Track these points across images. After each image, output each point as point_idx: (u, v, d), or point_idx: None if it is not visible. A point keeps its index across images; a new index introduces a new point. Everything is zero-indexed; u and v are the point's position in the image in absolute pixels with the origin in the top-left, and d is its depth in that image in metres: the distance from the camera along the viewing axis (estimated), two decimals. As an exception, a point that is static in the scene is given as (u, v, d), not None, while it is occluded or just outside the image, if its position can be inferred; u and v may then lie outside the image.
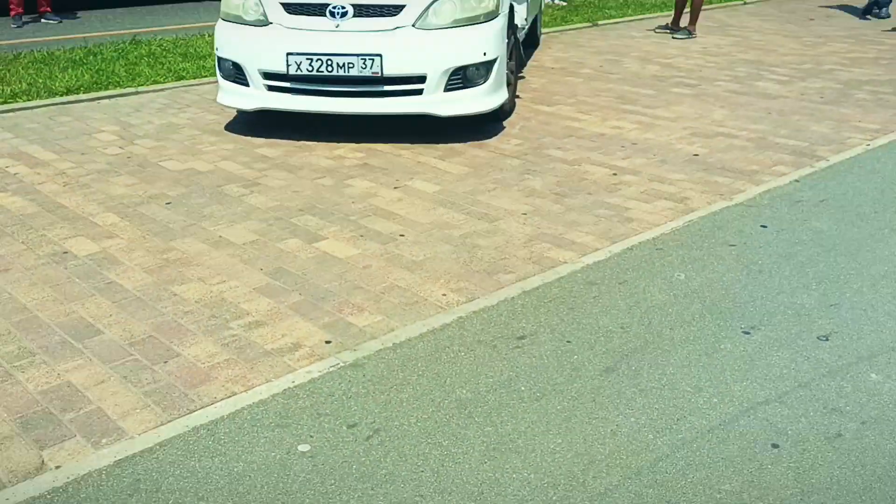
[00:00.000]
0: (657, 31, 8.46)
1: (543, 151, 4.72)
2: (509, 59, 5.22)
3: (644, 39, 8.26)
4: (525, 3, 6.13)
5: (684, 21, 8.52)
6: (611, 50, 7.77)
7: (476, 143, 4.85)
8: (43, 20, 9.05)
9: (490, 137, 4.96)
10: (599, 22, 9.25)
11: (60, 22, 9.08)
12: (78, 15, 9.64)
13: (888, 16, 10.47)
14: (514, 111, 5.53)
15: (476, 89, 4.71)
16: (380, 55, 4.49)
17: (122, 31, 8.49)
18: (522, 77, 6.42)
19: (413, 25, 4.55)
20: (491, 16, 4.71)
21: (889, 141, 4.84)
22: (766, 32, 8.67)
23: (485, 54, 4.65)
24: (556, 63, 7.19)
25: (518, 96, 5.83)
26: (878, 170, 4.38)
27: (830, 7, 10.47)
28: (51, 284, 3.02)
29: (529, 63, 7.09)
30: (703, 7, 10.26)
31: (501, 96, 4.91)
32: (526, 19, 6.25)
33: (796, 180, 4.19)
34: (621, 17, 9.59)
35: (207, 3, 10.33)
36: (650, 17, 9.47)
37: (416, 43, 4.54)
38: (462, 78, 4.66)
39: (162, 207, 3.81)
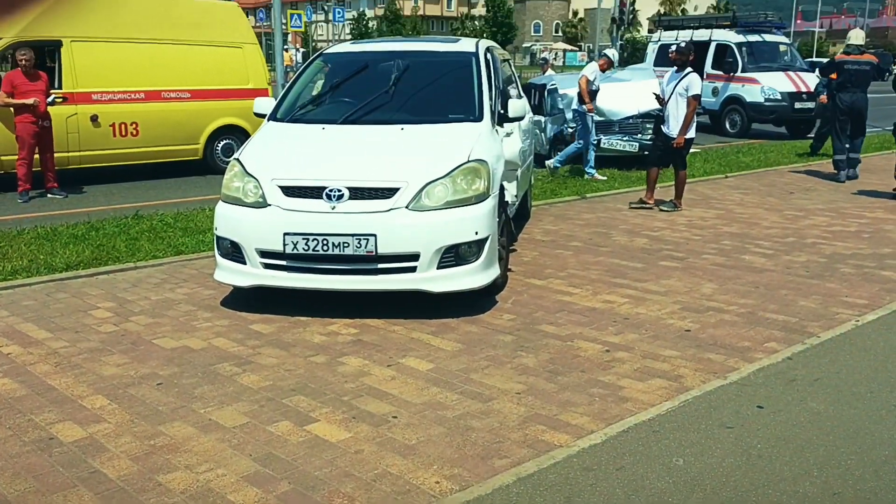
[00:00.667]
0: (631, 206, 8.70)
1: (536, 327, 4.76)
2: (500, 235, 5.38)
3: (631, 212, 8.53)
4: (515, 181, 6.38)
5: (658, 195, 8.84)
6: (599, 222, 8.01)
7: (469, 318, 4.90)
8: (49, 195, 9.35)
9: (483, 312, 5.01)
10: (587, 195, 9.58)
11: (66, 197, 9.38)
12: (84, 189, 9.98)
13: (855, 176, 10.90)
14: (507, 285, 5.62)
15: (468, 266, 4.81)
16: (374, 235, 4.62)
17: (126, 205, 8.76)
18: (514, 250, 6.57)
19: (407, 207, 4.71)
20: (482, 197, 4.90)
21: (877, 317, 4.90)
22: (749, 205, 8.99)
23: (476, 234, 4.79)
24: (547, 236, 7.38)
25: (510, 269, 5.94)
26: (869, 347, 4.40)
27: (809, 173, 10.92)
28: (34, 474, 2.93)
29: (520, 236, 7.28)
30: (687, 181, 10.71)
31: (493, 273, 5.01)
32: (516, 195, 6.49)
33: (789, 358, 4.20)
34: (608, 189, 9.95)
35: (210, 177, 10.72)
36: (637, 190, 9.83)
37: (410, 223, 4.68)
38: (454, 256, 4.77)
39: (153, 388, 3.77)
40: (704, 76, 18.27)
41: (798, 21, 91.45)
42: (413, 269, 4.72)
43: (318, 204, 4.73)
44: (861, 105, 10.92)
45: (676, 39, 19.04)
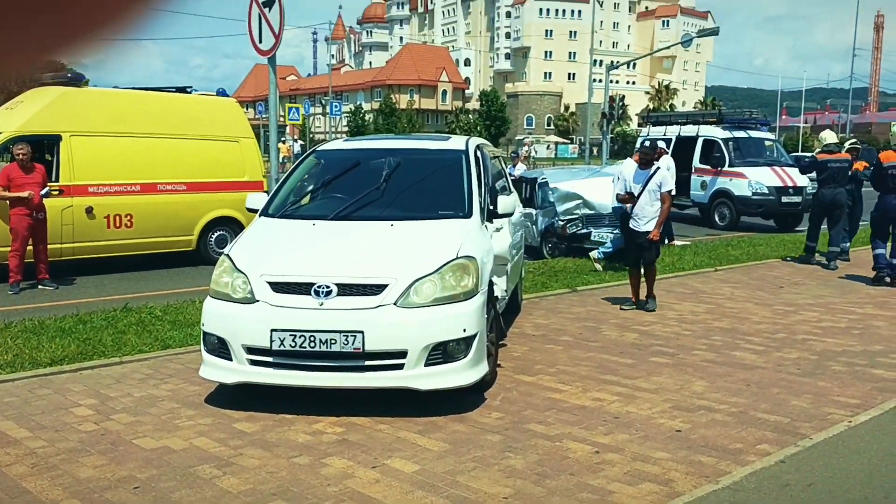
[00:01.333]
0: (623, 309, 8.47)
1: (524, 426, 4.68)
2: (490, 330, 5.36)
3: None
4: (505, 276, 6.41)
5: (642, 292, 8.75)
6: (590, 316, 8.01)
7: (457, 416, 4.82)
8: (40, 286, 9.34)
9: (471, 409, 4.94)
10: (578, 288, 9.61)
11: (57, 288, 9.37)
12: (75, 280, 9.97)
13: (836, 267, 11.11)
14: (496, 381, 5.57)
15: (456, 364, 4.78)
16: (362, 332, 4.60)
17: (116, 297, 8.73)
18: (504, 345, 6.54)
19: (395, 304, 4.71)
20: (470, 294, 4.90)
21: (870, 418, 4.85)
22: (739, 300, 9.01)
23: (465, 331, 4.78)
24: (537, 330, 7.36)
25: (499, 365, 5.89)
26: (863, 450, 4.33)
27: (798, 266, 10.98)
28: (-2, 586, 2.82)
29: (511, 330, 7.26)
30: (677, 274, 10.76)
31: (481, 370, 4.97)
32: (506, 290, 6.50)
33: (782, 461, 4.13)
34: (599, 283, 9.98)
35: (203, 268, 10.73)
36: (627, 283, 9.88)
37: (398, 320, 4.67)
38: (442, 353, 4.74)
39: (129, 492, 3.67)
40: (693, 170, 18.67)
41: (783, 116, 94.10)
42: (400, 367, 4.68)
43: (307, 300, 4.72)
44: (841, 200, 11.40)
45: (664, 135, 19.57)
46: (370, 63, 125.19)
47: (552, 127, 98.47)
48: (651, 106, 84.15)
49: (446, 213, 5.64)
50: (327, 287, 4.72)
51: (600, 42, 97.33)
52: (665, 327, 7.52)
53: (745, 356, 6.41)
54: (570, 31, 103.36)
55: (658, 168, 8.33)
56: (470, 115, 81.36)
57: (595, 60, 56.90)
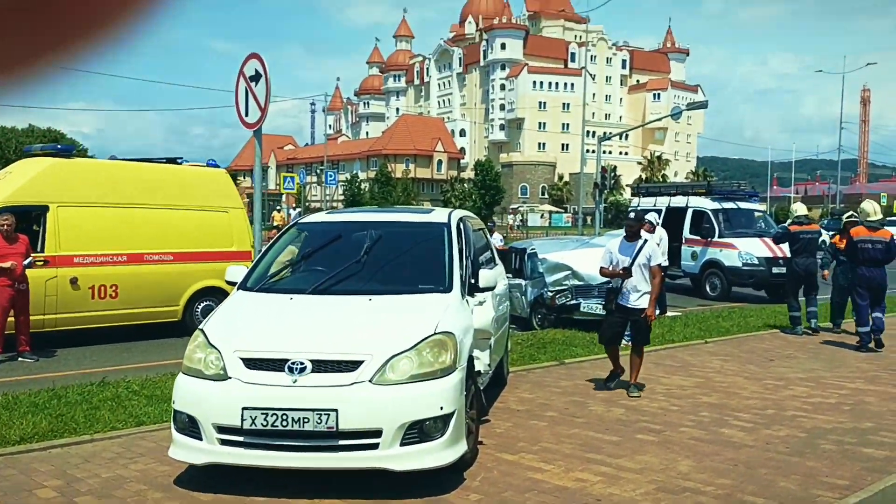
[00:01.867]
0: (612, 388, 8.15)
1: (504, 509, 4.52)
2: (470, 407, 5.23)
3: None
4: (488, 350, 6.31)
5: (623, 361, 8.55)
6: (576, 390, 7.87)
7: (433, 498, 4.66)
8: (20, 359, 9.19)
9: (448, 491, 4.79)
10: (566, 360, 9.49)
11: (37, 360, 9.22)
12: (56, 352, 9.82)
13: (817, 330, 11.42)
14: (476, 459, 5.41)
15: (433, 443, 4.64)
16: (336, 410, 4.49)
17: (97, 370, 8.58)
18: (487, 420, 6.39)
19: (370, 381, 4.60)
20: (448, 370, 4.80)
21: (859, 500, 4.70)
22: (728, 373, 8.89)
23: (441, 408, 4.66)
24: (522, 405, 7.22)
25: (481, 442, 5.75)
26: (850, 535, 4.19)
27: (783, 331, 10.89)
28: None
29: (495, 404, 7.12)
30: (666, 346, 10.64)
31: (459, 449, 4.83)
32: (489, 364, 6.39)
33: (766, 547, 3.97)
34: (587, 355, 9.86)
35: (188, 338, 10.58)
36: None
37: (373, 398, 4.56)
38: (418, 432, 4.61)
39: (83, 583, 3.50)
40: (684, 241, 18.72)
41: (774, 187, 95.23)
42: (375, 446, 4.55)
43: (280, 377, 4.62)
44: (813, 269, 12.22)
45: (655, 205, 19.69)
46: (366, 133, 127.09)
47: (546, 196, 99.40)
48: (643, 176, 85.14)
49: (426, 287, 5.58)
50: (301, 363, 4.62)
51: (593, 114, 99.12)
52: (652, 402, 7.39)
53: (733, 433, 6.27)
54: (564, 104, 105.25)
55: (645, 241, 7.84)
56: (465, 185, 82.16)
57: (588, 132, 57.94)
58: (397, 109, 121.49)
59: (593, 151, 37.59)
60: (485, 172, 77.64)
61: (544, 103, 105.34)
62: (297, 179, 37.66)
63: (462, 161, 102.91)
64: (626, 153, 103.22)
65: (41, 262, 9.70)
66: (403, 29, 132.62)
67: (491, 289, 5.99)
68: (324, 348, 4.74)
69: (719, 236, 18.18)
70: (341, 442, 4.54)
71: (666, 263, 15.59)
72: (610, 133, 52.38)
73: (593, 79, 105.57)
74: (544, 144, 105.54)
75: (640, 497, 4.76)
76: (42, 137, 50.59)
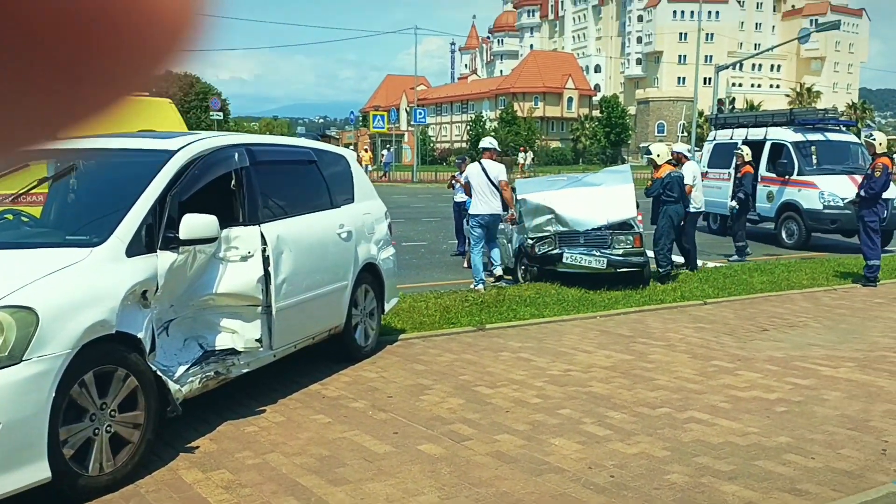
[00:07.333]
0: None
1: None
2: (128, 409, 3.76)
3: (494, 358, 6.63)
4: (258, 321, 4.83)
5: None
6: (444, 370, 6.23)
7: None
8: None
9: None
10: (488, 325, 7.75)
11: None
12: None
13: None
14: (135, 477, 3.96)
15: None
16: None
17: None
18: (176, 415, 4.91)
19: None
20: (2, 362, 3.32)
21: None
22: (679, 348, 6.78)
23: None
24: (346, 388, 5.67)
25: (192, 450, 4.27)
26: None
27: (858, 283, 8.50)
28: None
29: (312, 386, 5.59)
30: (652, 307, 8.59)
31: (17, 480, 3.33)
32: (264, 340, 4.88)
33: None
34: (532, 318, 8.06)
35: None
36: (560, 319, 7.91)
37: None
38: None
39: None
40: (759, 178, 15.90)
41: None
42: None
43: None
44: None
45: (731, 139, 16.97)
46: (500, 71, 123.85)
47: (685, 133, 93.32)
48: (793, 108, 77.80)
49: (75, 239, 4.07)
50: None
51: (740, 44, 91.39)
52: (523, 388, 5.58)
53: (563, 446, 4.42)
54: (707, 34, 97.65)
55: None
56: (592, 123, 78.50)
57: (735, 64, 52.60)
58: (531, 46, 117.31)
59: (741, 85, 33.90)
60: (610, 109, 73.54)
61: (685, 34, 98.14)
62: (387, 118, 36.51)
63: (595, 98, 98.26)
64: (778, 86, 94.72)
65: None
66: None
67: (205, 241, 4.38)
68: None
69: (798, 174, 15.31)
70: None
71: (735, 205, 13.24)
72: (740, 62, 47.46)
73: (741, 5, 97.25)
74: (684, 79, 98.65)
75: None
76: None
